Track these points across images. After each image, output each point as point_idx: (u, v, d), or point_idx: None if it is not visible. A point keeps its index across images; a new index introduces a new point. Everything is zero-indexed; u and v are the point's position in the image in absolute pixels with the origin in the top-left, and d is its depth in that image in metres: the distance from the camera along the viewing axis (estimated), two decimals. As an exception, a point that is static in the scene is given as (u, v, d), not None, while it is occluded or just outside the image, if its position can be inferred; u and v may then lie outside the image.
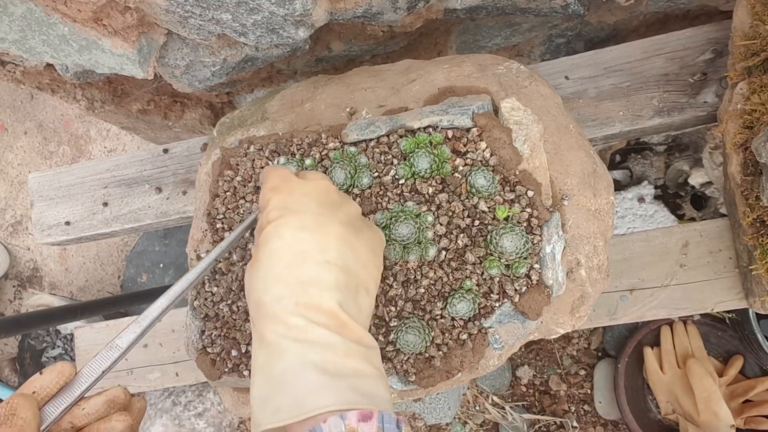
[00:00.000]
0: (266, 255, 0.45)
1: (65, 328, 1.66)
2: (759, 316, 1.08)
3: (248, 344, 0.63)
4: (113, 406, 0.45)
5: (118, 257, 1.76)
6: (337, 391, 0.40)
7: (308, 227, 0.45)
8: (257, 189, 0.66)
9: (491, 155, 0.61)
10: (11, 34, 0.62)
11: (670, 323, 1.22)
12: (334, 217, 0.46)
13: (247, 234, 0.65)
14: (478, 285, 0.60)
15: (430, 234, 0.60)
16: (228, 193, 0.67)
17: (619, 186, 1.27)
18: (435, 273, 0.60)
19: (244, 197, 0.66)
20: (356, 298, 0.45)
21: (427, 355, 0.60)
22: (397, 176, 0.62)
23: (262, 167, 0.66)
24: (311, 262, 0.44)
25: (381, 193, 0.62)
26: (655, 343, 1.24)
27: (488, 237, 0.59)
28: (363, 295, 0.46)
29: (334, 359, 0.42)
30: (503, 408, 1.40)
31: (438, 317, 0.60)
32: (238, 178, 0.67)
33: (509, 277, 0.60)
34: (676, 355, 1.19)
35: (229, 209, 0.67)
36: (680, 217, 1.23)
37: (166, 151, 0.89)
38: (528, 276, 0.59)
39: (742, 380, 1.19)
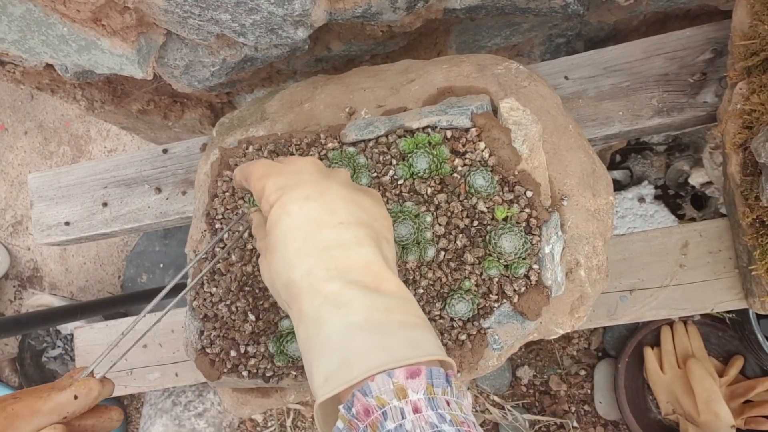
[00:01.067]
0: (280, 235, 0.44)
1: (65, 328, 1.66)
2: (759, 317, 1.08)
3: (247, 345, 0.63)
4: (98, 398, 0.46)
5: (118, 257, 1.76)
6: (386, 349, 0.38)
7: (311, 196, 0.44)
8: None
9: (490, 155, 0.61)
10: (10, 35, 0.62)
11: (670, 323, 1.21)
12: (331, 181, 0.46)
13: (246, 234, 0.65)
14: (477, 285, 0.59)
15: (428, 234, 0.60)
16: (227, 194, 0.67)
17: (619, 186, 1.27)
18: (434, 273, 0.60)
19: (242, 198, 0.66)
20: (381, 249, 0.45)
21: (426, 355, 0.60)
22: (395, 176, 0.62)
23: None
24: (327, 227, 0.44)
25: (380, 193, 0.62)
26: (656, 343, 1.23)
27: (487, 237, 0.59)
28: (385, 245, 0.46)
29: (377, 316, 0.40)
30: (503, 408, 1.40)
31: (437, 318, 0.60)
32: (237, 179, 0.67)
33: (508, 277, 0.59)
34: (677, 356, 1.19)
35: (227, 210, 0.67)
36: (680, 217, 1.22)
37: (165, 151, 0.89)
38: (527, 276, 0.59)
39: (743, 380, 1.19)
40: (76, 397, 0.41)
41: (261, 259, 0.48)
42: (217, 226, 0.67)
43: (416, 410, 0.36)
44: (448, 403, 0.37)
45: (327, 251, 0.43)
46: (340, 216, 0.44)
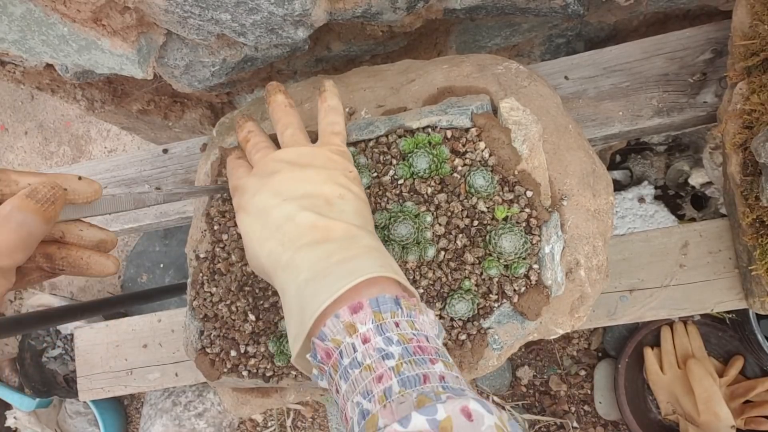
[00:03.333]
0: (243, 233, 0.52)
1: (65, 328, 1.66)
2: (759, 317, 1.08)
3: (247, 345, 0.63)
4: (102, 245, 0.47)
5: (118, 257, 1.76)
6: (323, 289, 0.42)
7: (258, 190, 0.51)
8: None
9: (490, 155, 0.61)
10: (11, 35, 0.62)
11: (670, 323, 1.21)
12: (268, 176, 0.51)
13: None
14: (477, 285, 0.59)
15: (429, 234, 0.60)
16: (226, 194, 0.67)
17: (619, 186, 1.27)
18: (434, 273, 0.60)
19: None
20: (331, 208, 0.49)
21: (426, 355, 0.60)
22: (396, 176, 0.62)
23: None
24: (272, 209, 0.49)
25: (380, 193, 0.62)
26: (656, 343, 1.23)
27: (487, 237, 0.59)
28: (339, 202, 0.50)
29: (319, 265, 0.44)
30: (503, 408, 1.40)
31: (437, 318, 0.60)
32: (237, 178, 0.67)
33: (508, 277, 0.59)
34: (677, 356, 1.19)
35: (227, 210, 0.67)
36: (680, 218, 1.23)
37: (165, 151, 0.89)
38: (527, 276, 0.59)
39: (743, 381, 1.19)
40: (80, 178, 0.43)
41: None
42: (216, 227, 0.67)
43: (365, 341, 0.39)
44: (397, 325, 0.40)
45: (279, 229, 0.48)
46: (282, 195, 0.49)
